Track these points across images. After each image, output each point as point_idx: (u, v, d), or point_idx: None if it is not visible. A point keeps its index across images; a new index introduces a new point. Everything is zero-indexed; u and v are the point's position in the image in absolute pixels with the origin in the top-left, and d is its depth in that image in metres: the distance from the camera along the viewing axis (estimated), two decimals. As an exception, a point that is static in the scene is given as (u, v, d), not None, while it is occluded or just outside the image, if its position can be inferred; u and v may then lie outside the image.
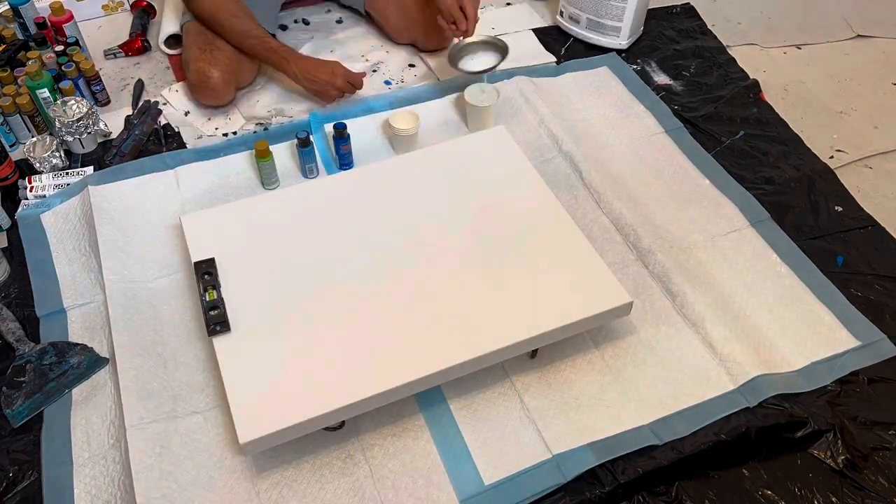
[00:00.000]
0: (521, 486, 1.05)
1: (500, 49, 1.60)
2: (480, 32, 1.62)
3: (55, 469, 1.07)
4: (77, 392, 1.17)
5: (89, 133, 1.52)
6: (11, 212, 1.43)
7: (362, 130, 1.58)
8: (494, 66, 1.60)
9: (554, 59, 1.78)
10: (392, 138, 1.54)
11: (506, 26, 1.88)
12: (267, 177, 1.44)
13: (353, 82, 1.59)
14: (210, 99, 1.60)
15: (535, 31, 1.88)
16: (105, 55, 1.80)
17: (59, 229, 1.39)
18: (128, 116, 1.61)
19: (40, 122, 1.56)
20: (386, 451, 1.09)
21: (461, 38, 1.57)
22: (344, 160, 1.48)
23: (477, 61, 1.61)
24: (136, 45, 1.80)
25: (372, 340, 1.09)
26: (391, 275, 1.18)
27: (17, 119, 1.54)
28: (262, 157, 1.41)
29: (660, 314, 1.26)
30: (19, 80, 1.56)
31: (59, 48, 1.65)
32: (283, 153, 1.51)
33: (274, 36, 1.67)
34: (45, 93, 1.54)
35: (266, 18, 1.69)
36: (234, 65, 1.59)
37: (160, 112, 1.63)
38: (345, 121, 1.57)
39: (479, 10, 1.61)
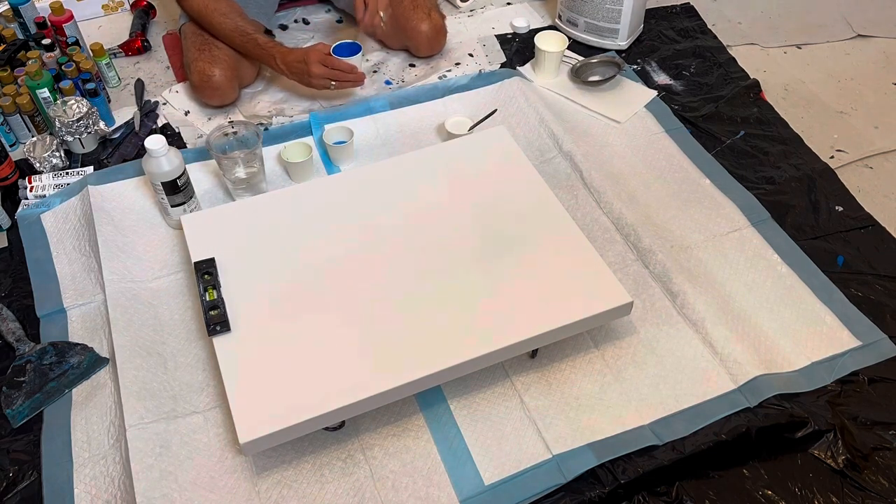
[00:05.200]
0: (522, 486, 1.05)
1: (616, 64, 1.71)
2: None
3: (55, 469, 1.07)
4: (77, 392, 1.17)
5: (89, 133, 1.52)
6: (11, 212, 1.43)
7: (362, 130, 1.58)
8: (611, 77, 1.69)
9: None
10: (287, 166, 1.48)
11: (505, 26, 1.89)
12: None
13: (329, 65, 1.51)
14: (215, 98, 1.61)
15: (536, 30, 1.88)
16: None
17: (59, 229, 1.39)
18: (136, 112, 1.62)
19: (40, 122, 1.56)
20: (386, 451, 1.09)
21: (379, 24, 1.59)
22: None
23: (597, 75, 1.73)
24: (136, 45, 1.80)
25: (372, 340, 1.09)
26: (391, 274, 1.18)
27: (17, 119, 1.54)
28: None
29: (660, 314, 1.26)
30: (19, 80, 1.56)
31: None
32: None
33: (270, 32, 1.67)
34: (45, 93, 1.54)
35: (261, 14, 1.69)
36: (234, 62, 1.59)
37: (157, 116, 1.63)
38: (344, 121, 1.58)
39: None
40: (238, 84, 1.63)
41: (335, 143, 1.50)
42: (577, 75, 1.70)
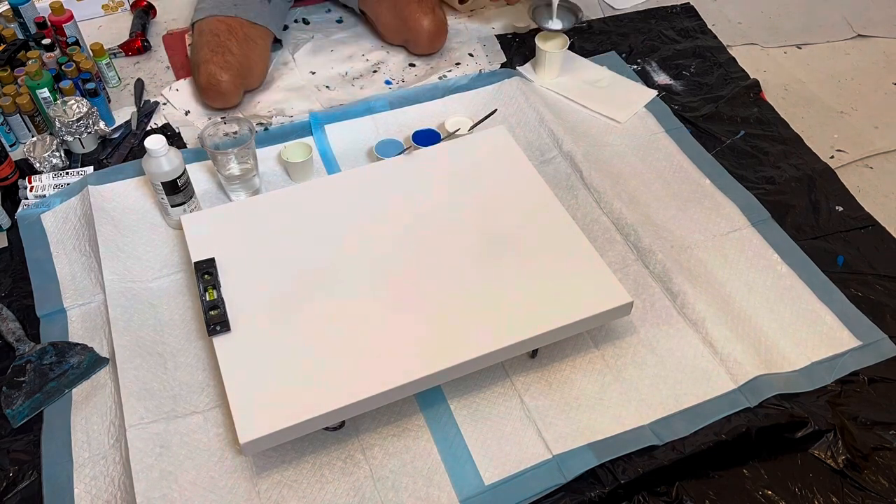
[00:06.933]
0: (522, 486, 1.05)
1: (574, 10, 1.72)
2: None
3: (55, 469, 1.07)
4: (77, 392, 1.17)
5: (89, 133, 1.52)
6: (11, 212, 1.43)
7: (362, 130, 1.58)
8: (571, 26, 1.71)
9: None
10: (287, 166, 1.48)
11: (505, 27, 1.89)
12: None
13: None
14: (219, 102, 1.61)
15: (536, 31, 1.88)
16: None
17: (59, 229, 1.39)
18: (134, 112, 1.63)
19: (40, 122, 1.56)
20: (386, 451, 1.09)
21: None
22: None
23: (555, 22, 1.72)
24: (136, 45, 1.80)
25: (372, 340, 1.09)
26: (391, 274, 1.18)
27: (17, 119, 1.54)
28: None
29: (660, 314, 1.26)
30: (19, 80, 1.56)
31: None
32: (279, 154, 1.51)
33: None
34: (45, 93, 1.54)
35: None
36: (245, 69, 1.59)
37: (151, 116, 1.63)
38: (344, 121, 1.58)
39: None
40: (243, 90, 1.63)
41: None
42: (535, 18, 1.71)
